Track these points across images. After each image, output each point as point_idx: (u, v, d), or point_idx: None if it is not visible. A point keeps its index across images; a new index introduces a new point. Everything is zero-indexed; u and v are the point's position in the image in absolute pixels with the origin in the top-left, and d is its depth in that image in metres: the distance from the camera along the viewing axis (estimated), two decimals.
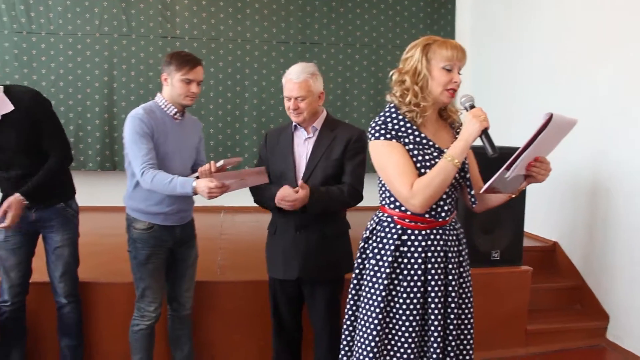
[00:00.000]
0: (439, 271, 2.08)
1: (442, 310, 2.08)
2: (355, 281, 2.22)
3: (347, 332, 2.25)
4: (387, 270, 2.08)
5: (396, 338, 2.09)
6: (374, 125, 2.08)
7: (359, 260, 2.21)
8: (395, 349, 2.10)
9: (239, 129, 5.96)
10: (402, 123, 2.05)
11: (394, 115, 2.07)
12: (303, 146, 2.70)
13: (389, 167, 2.04)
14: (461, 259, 2.17)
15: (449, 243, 2.11)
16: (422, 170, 2.00)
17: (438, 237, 2.08)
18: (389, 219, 2.12)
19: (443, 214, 2.08)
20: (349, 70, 6.11)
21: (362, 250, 2.21)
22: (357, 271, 2.22)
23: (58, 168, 2.86)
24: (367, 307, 2.12)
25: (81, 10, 5.60)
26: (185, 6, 5.80)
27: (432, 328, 2.07)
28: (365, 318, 2.12)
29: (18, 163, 2.78)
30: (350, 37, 6.08)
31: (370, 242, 2.17)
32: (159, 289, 2.87)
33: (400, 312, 2.08)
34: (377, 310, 2.08)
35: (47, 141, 2.80)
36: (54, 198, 2.88)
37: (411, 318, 2.07)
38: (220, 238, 4.27)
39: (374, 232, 2.17)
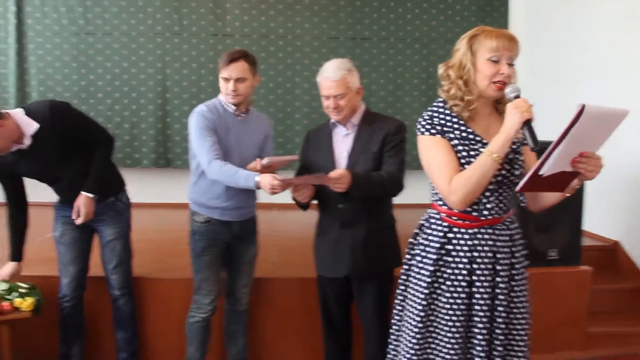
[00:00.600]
0: (486, 272, 2.01)
1: (488, 313, 2.01)
2: (403, 277, 2.20)
3: (395, 328, 2.23)
4: (431, 268, 2.04)
5: (439, 337, 2.05)
6: (420, 120, 2.05)
7: (408, 257, 2.19)
8: (439, 348, 2.05)
9: (290, 126, 5.98)
10: (448, 118, 2.01)
11: (440, 110, 2.03)
12: (342, 143, 2.67)
13: (432, 163, 2.01)
14: (514, 260, 2.08)
15: (498, 243, 2.03)
16: (467, 167, 1.95)
17: (487, 236, 2.02)
18: (437, 216, 2.09)
19: (485, 212, 2.01)
20: (400, 66, 6.03)
21: (410, 246, 2.19)
22: (405, 267, 2.19)
23: (107, 153, 2.95)
24: (412, 304, 2.09)
25: (135, 11, 5.73)
26: (236, 4, 5.84)
27: (477, 331, 2.01)
28: (410, 315, 2.09)
29: (64, 173, 2.87)
30: (401, 32, 6.00)
31: (418, 238, 2.15)
32: (215, 282, 2.90)
33: (443, 311, 2.03)
34: (420, 307, 2.05)
35: (85, 139, 2.86)
36: (104, 193, 2.95)
37: (454, 318, 2.02)
38: (272, 235, 4.28)
39: (422, 228, 2.15)
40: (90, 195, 2.83)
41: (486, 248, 2.01)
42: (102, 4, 5.69)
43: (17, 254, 2.93)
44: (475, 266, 2.01)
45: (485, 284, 2.01)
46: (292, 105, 5.96)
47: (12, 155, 2.74)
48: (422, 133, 2.03)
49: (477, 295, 2.01)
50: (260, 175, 2.54)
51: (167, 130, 5.87)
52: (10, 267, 2.93)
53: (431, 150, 2.01)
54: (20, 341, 2.92)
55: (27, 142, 2.69)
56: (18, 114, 2.70)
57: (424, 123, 2.03)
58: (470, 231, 2.02)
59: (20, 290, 2.85)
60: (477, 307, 2.01)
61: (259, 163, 2.65)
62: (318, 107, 2.70)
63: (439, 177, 1.98)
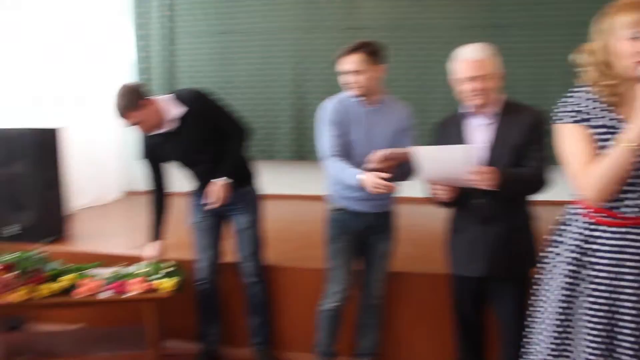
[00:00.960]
0: (634, 277, 1.80)
1: (635, 324, 1.79)
2: (541, 277, 2.05)
3: (529, 330, 2.09)
4: (571, 268, 1.88)
5: (579, 343, 1.88)
6: (556, 108, 1.90)
7: (546, 256, 2.04)
8: (578, 354, 1.88)
9: (427, 119, 5.78)
10: (589, 104, 1.83)
11: (580, 95, 1.86)
12: (477, 133, 2.50)
13: (566, 154, 1.86)
14: None
15: None
16: None
17: (635, 237, 1.80)
18: (577, 213, 1.92)
19: (628, 209, 1.79)
20: (544, 53, 5.62)
21: (548, 245, 2.04)
22: (543, 267, 2.05)
23: (242, 142, 3.08)
24: (549, 307, 1.95)
25: (271, 8, 5.89)
26: None
27: (623, 338, 1.81)
28: (548, 317, 1.94)
29: (203, 158, 3.03)
30: (544, 17, 5.57)
31: (555, 236, 2.00)
32: (346, 272, 2.89)
33: (584, 316, 1.85)
34: (559, 310, 1.90)
35: (223, 125, 3.02)
36: (239, 181, 3.07)
37: (595, 325, 1.83)
38: (410, 229, 4.17)
39: (561, 225, 2.00)
40: (224, 180, 2.95)
41: (633, 250, 1.80)
42: (243, 4, 5.91)
43: (157, 234, 3.15)
44: (619, 269, 1.81)
45: (630, 290, 1.80)
46: (428, 97, 5.79)
47: (159, 137, 2.96)
48: (558, 121, 1.89)
49: (625, 304, 1.81)
50: (364, 174, 2.54)
51: (303, 124, 5.98)
52: (153, 247, 3.14)
53: (567, 139, 1.86)
54: (165, 318, 3.11)
55: (173, 124, 2.90)
56: (164, 99, 2.93)
57: (560, 110, 1.88)
58: (614, 230, 1.82)
59: (164, 270, 3.04)
60: (625, 318, 1.81)
61: (376, 155, 2.61)
62: (456, 100, 2.59)
63: (573, 170, 1.83)
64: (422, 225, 4.30)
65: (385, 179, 2.49)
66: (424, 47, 5.76)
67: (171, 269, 3.08)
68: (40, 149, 3.99)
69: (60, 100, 5.00)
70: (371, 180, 2.50)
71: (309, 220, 3.73)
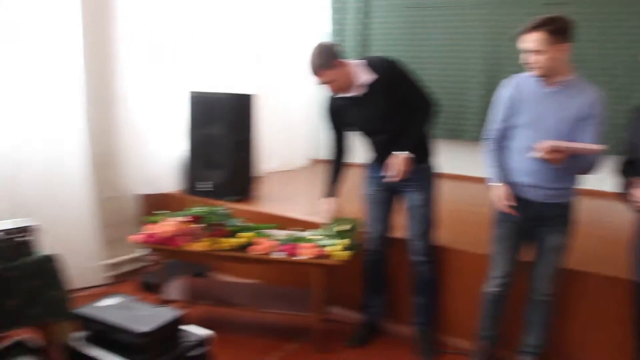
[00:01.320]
0: None
1: None
2: None
3: None
4: None
5: None
6: None
7: None
8: None
9: (630, 106, 5.16)
10: None
11: None
12: None
13: None
14: None
15: None
16: None
17: None
18: None
19: None
20: None
21: None
22: None
23: (428, 116, 3.00)
24: None
25: None
26: None
27: None
28: None
29: (385, 127, 2.99)
30: None
31: None
32: (505, 260, 2.78)
33: None
34: None
35: (411, 96, 2.95)
36: (419, 156, 3.00)
37: None
38: (590, 224, 3.79)
39: None
40: (407, 154, 2.89)
41: None
42: None
43: (333, 192, 3.21)
44: None
45: None
46: (635, 83, 5.08)
47: (345, 100, 3.00)
48: None
49: None
50: (498, 184, 2.57)
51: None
52: (331, 202, 3.20)
53: None
54: (333, 284, 3.20)
55: (361, 90, 2.91)
56: (356, 64, 2.94)
57: None
58: None
59: (339, 228, 3.09)
60: None
61: (546, 145, 2.40)
62: None
63: None
64: (606, 222, 3.89)
65: (511, 206, 2.54)
66: (630, 25, 5.05)
67: (347, 227, 3.11)
68: (235, 113, 4.29)
69: (257, 68, 5.30)
70: (498, 197, 2.62)
71: (484, 203, 3.55)
